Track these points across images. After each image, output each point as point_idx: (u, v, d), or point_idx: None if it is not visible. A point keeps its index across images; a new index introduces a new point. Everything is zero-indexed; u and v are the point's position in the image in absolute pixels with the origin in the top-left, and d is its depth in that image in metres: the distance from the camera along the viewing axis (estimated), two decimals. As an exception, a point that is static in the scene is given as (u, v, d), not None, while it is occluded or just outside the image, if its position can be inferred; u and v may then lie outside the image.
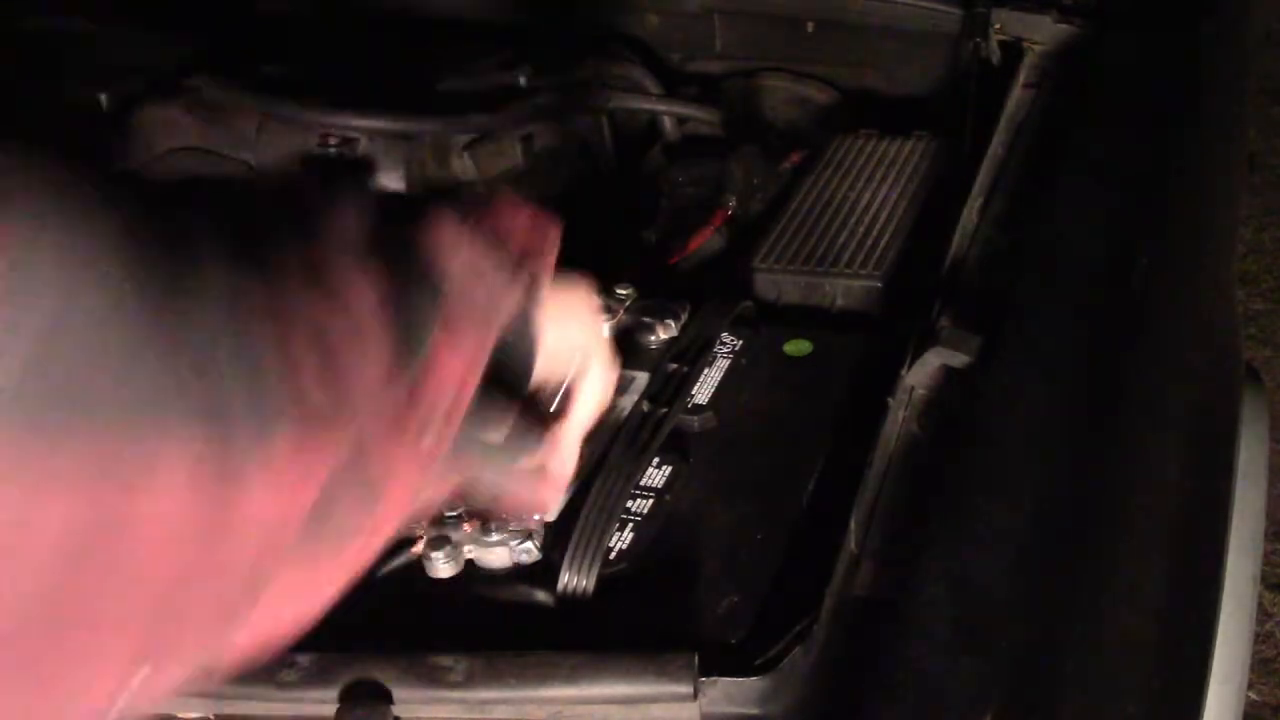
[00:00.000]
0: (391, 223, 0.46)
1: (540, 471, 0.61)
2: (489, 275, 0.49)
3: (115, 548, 0.34)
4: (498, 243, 0.50)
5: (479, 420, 0.51)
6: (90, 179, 0.35)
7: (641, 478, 0.75)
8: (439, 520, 0.71)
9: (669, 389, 0.81)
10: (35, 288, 0.32)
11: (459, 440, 0.47)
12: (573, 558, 0.69)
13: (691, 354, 0.84)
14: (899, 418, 0.76)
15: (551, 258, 0.54)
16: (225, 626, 0.39)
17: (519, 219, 0.52)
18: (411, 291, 0.45)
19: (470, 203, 0.51)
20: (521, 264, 0.51)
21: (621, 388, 0.84)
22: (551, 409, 0.62)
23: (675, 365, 0.83)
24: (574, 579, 0.68)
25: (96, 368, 0.33)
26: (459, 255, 0.48)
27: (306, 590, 0.42)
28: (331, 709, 0.61)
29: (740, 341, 0.88)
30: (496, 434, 0.54)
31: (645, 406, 0.79)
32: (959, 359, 0.77)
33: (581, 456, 0.66)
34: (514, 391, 0.55)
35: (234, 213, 0.41)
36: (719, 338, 0.87)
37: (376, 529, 0.44)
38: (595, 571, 0.68)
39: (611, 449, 0.76)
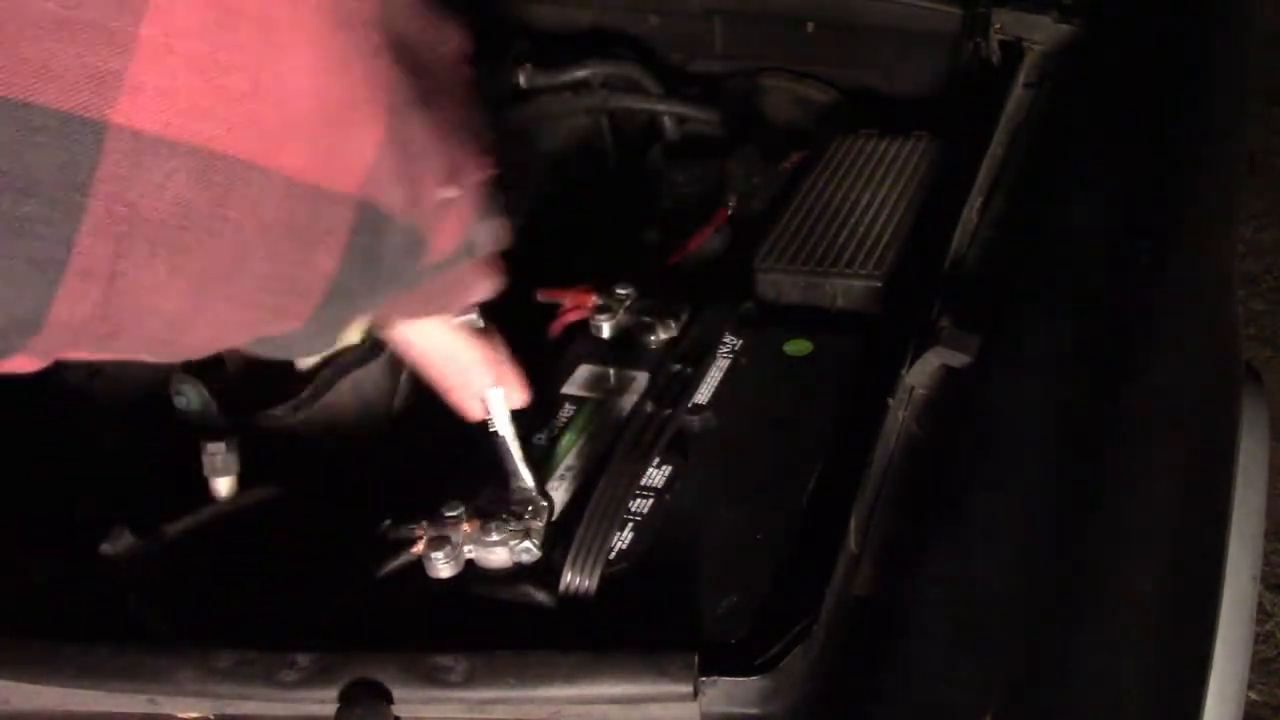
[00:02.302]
0: None
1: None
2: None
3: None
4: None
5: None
6: None
7: (643, 478, 0.75)
8: (439, 520, 0.71)
9: (671, 390, 0.80)
10: None
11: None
12: (575, 558, 0.69)
13: (694, 355, 0.84)
14: (899, 418, 0.76)
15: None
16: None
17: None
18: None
19: None
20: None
21: (622, 388, 0.84)
22: None
23: (678, 366, 0.83)
24: (577, 579, 0.68)
25: None
26: None
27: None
28: (331, 709, 0.61)
29: (740, 341, 0.88)
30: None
31: (648, 407, 0.79)
32: (959, 359, 0.77)
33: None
34: None
35: None
36: (721, 339, 0.87)
37: None
38: (598, 572, 0.68)
39: (614, 449, 0.76)
